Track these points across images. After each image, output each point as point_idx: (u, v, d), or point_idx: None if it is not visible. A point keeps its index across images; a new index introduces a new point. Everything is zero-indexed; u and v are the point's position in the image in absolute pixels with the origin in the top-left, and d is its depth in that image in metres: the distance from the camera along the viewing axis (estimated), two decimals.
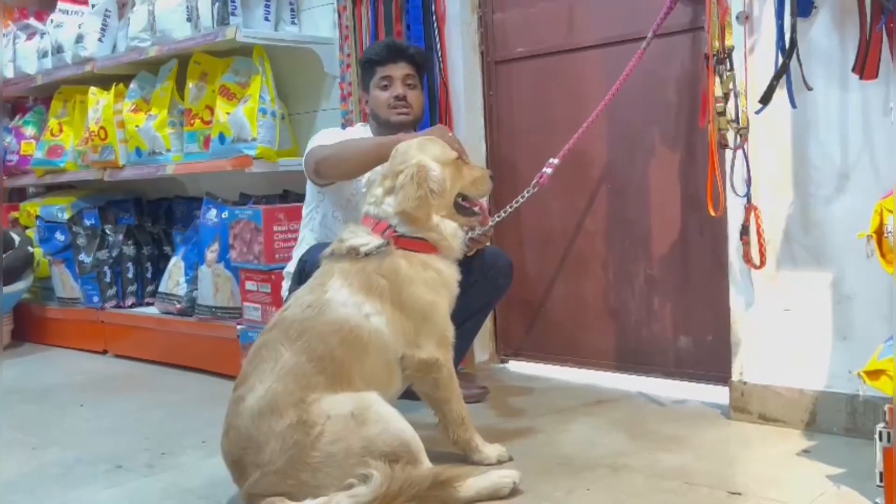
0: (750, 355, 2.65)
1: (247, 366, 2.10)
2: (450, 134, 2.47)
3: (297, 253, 2.94)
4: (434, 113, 3.42)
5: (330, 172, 2.74)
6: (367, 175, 2.69)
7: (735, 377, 2.68)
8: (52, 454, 2.73)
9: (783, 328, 2.58)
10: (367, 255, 2.20)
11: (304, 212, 3.02)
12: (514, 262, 2.96)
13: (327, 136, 2.86)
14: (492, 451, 2.34)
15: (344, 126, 3.45)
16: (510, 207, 2.74)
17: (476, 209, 2.42)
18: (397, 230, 2.25)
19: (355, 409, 1.97)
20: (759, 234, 2.54)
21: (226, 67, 3.92)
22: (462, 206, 2.38)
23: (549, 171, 2.75)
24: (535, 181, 2.74)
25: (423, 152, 2.32)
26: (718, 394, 2.86)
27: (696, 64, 2.89)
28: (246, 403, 2.01)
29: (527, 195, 2.72)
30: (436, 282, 2.26)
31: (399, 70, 2.90)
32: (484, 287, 2.83)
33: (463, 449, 2.32)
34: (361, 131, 3.02)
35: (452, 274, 2.31)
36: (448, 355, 2.27)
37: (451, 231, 2.31)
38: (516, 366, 3.62)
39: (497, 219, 2.76)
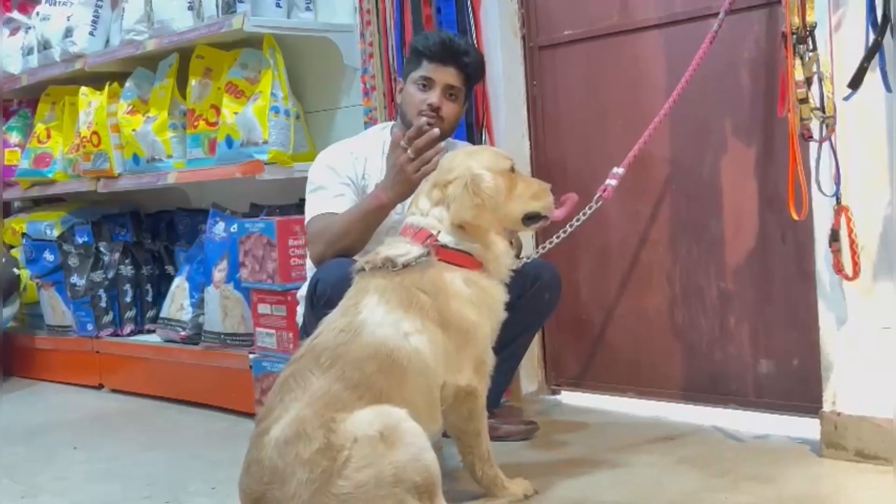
0: (844, 381, 2.62)
1: (272, 398, 2.13)
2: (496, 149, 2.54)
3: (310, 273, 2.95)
4: (469, 108, 3.42)
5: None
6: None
7: (826, 407, 2.66)
8: (42, 503, 2.77)
9: (882, 349, 2.54)
10: (404, 266, 2.23)
11: None
12: (563, 276, 2.96)
13: (322, 177, 2.91)
14: (517, 487, 2.42)
15: (366, 125, 3.47)
16: (569, 228, 2.69)
17: (546, 213, 2.45)
18: (440, 240, 2.29)
19: (383, 427, 2.00)
20: (852, 240, 2.51)
21: (233, 61, 3.96)
22: (529, 216, 2.44)
23: (613, 182, 2.77)
24: (597, 195, 2.75)
25: (472, 160, 2.39)
26: (807, 427, 2.84)
27: (773, 44, 2.88)
28: (270, 435, 2.03)
29: (589, 212, 2.72)
30: (481, 301, 2.31)
31: (444, 76, 2.86)
32: (528, 305, 2.81)
33: (487, 486, 2.39)
34: (379, 136, 3.01)
35: (499, 295, 2.37)
36: (484, 385, 2.34)
37: (502, 248, 2.38)
38: (569, 397, 3.61)
39: (549, 245, 2.73)
